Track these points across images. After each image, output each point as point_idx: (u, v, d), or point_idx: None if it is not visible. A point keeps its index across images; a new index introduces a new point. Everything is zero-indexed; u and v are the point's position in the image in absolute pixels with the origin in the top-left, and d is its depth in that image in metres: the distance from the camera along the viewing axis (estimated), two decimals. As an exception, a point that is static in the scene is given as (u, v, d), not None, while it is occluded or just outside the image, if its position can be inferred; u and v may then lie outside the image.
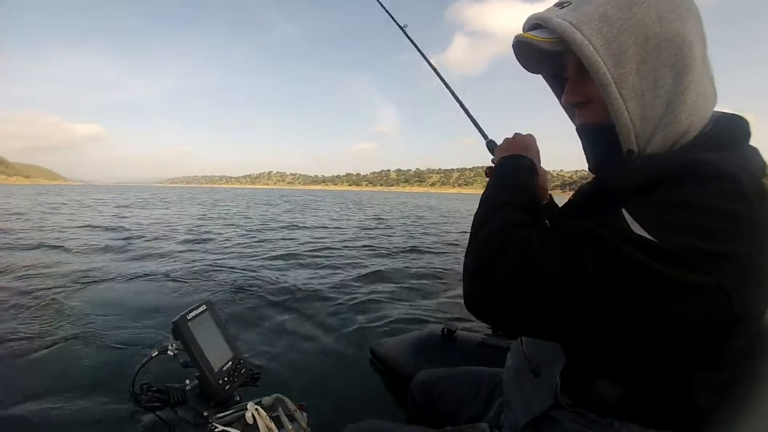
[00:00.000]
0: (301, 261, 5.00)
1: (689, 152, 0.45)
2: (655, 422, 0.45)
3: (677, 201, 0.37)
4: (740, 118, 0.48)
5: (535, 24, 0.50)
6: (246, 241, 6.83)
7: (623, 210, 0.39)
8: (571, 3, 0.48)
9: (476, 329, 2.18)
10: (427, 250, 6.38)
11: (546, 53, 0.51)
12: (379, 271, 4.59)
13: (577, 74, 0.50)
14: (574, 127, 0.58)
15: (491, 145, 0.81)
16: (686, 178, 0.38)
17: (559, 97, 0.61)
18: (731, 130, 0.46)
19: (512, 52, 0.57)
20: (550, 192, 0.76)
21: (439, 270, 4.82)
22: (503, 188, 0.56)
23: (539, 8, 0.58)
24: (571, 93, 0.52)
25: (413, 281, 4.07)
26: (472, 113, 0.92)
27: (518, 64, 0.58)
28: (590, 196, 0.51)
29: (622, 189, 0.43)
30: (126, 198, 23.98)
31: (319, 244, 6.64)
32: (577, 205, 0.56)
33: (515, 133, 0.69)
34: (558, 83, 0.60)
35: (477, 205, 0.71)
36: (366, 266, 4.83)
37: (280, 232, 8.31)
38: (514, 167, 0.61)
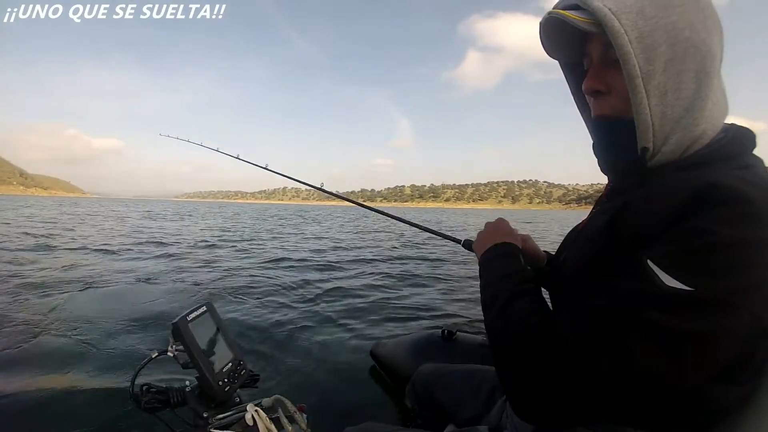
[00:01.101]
0: (301, 265, 5.01)
1: (703, 160, 0.46)
2: (669, 428, 0.44)
3: (702, 236, 0.37)
4: (747, 129, 0.49)
5: (572, 5, 0.49)
6: (249, 246, 6.84)
7: (648, 261, 0.39)
8: None
9: (476, 330, 2.18)
10: (428, 254, 6.39)
11: (574, 37, 0.51)
12: (378, 273, 4.59)
13: (602, 62, 0.50)
14: (589, 142, 0.58)
15: (468, 244, 0.82)
16: (704, 208, 0.38)
17: (572, 86, 0.62)
18: (739, 140, 0.48)
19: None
20: (545, 250, 0.78)
21: (439, 272, 4.83)
22: (502, 281, 0.57)
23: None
24: (593, 79, 0.51)
25: (413, 284, 4.07)
26: (436, 229, 1.02)
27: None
28: (605, 232, 0.47)
29: (638, 225, 0.42)
30: (147, 209, 24.17)
31: (320, 250, 6.65)
32: (590, 244, 0.52)
33: (486, 223, 0.71)
34: (573, 73, 0.60)
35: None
36: (367, 269, 4.83)
37: (283, 239, 8.32)
38: (501, 256, 0.62)
